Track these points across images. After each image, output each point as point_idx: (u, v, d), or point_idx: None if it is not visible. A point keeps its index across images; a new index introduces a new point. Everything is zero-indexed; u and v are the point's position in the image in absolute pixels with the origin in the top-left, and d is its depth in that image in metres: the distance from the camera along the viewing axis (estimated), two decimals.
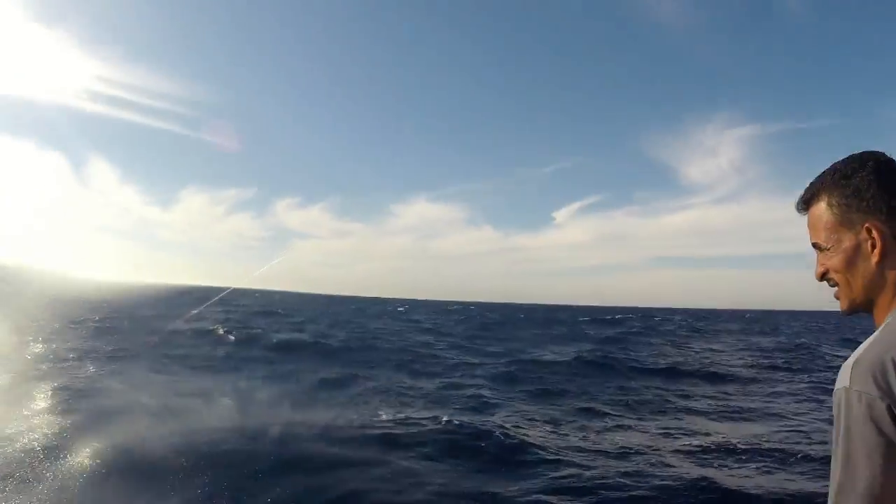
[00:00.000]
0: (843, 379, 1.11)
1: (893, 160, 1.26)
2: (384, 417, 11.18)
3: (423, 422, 10.67)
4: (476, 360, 21.37)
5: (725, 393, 15.97)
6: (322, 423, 10.29)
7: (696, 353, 26.74)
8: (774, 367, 21.30)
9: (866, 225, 1.22)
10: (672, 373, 19.26)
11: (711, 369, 20.22)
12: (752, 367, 21.59)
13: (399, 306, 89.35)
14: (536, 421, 11.70)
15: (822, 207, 1.29)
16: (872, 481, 1.02)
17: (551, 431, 10.93)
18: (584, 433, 10.84)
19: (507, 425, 10.76)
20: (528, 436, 10.22)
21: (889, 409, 1.03)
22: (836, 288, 1.31)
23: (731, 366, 21.70)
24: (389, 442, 9.46)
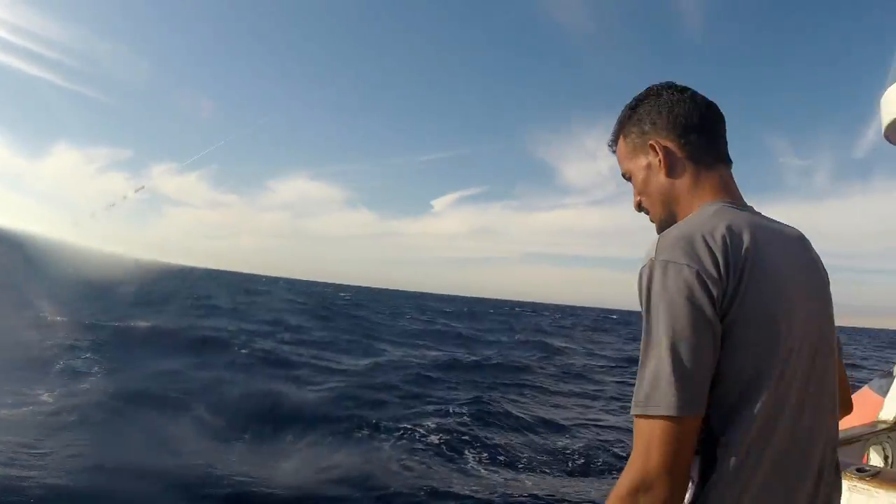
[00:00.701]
0: (648, 254, 1.10)
1: (675, 85, 1.34)
2: None
3: None
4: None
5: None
6: None
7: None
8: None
9: (651, 143, 1.30)
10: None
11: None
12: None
13: (262, 285, 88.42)
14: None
15: (621, 142, 1.38)
16: (684, 349, 1.01)
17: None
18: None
19: None
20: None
21: (698, 275, 1.04)
22: (647, 214, 1.36)
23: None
24: None
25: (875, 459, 3.14)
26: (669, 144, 1.29)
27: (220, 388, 11.78)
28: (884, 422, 3.28)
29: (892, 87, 2.79)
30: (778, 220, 1.29)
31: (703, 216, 1.17)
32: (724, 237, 1.09)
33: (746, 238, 1.11)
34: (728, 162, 1.32)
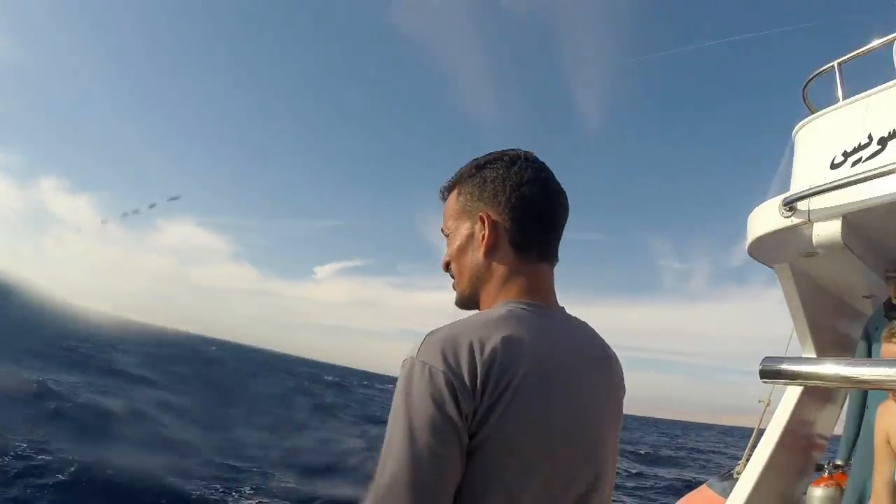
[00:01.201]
0: (412, 349, 0.99)
1: (531, 157, 1.21)
2: None
3: None
4: None
5: None
6: None
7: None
8: None
9: (482, 214, 1.16)
10: None
11: None
12: None
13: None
14: None
15: (454, 196, 1.24)
16: (422, 452, 0.90)
17: None
18: None
19: None
20: None
21: (451, 384, 0.93)
22: (452, 278, 1.25)
23: None
24: None
25: None
26: (500, 223, 1.15)
27: None
28: None
29: (759, 207, 2.95)
30: (590, 331, 1.20)
31: (486, 319, 1.05)
32: (494, 350, 0.97)
33: (524, 354, 0.99)
34: (553, 260, 1.20)
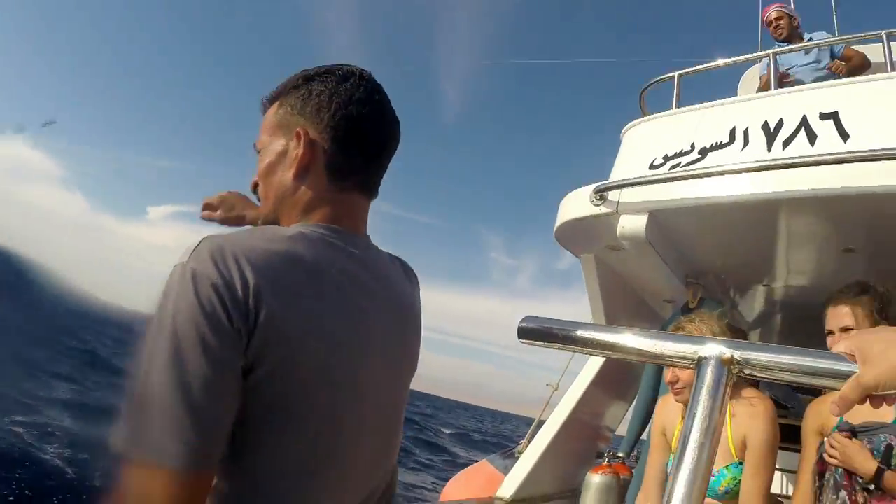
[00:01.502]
0: (182, 255, 0.84)
1: (367, 75, 1.07)
2: None
3: None
4: None
5: None
6: None
7: None
8: None
9: (298, 129, 1.01)
10: None
11: None
12: None
13: None
14: None
15: (273, 108, 1.08)
16: (196, 382, 0.76)
17: None
18: None
19: None
20: None
21: (227, 296, 0.79)
22: (258, 200, 1.11)
23: None
24: None
25: None
26: (318, 142, 1.01)
27: None
28: (500, 498, 3.41)
29: (571, 193, 2.99)
30: (382, 253, 1.10)
31: (272, 234, 0.92)
32: (271, 266, 0.85)
33: (304, 274, 0.89)
34: (372, 193, 1.08)
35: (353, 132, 1.02)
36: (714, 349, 0.89)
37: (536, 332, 1.11)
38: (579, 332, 1.07)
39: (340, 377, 0.90)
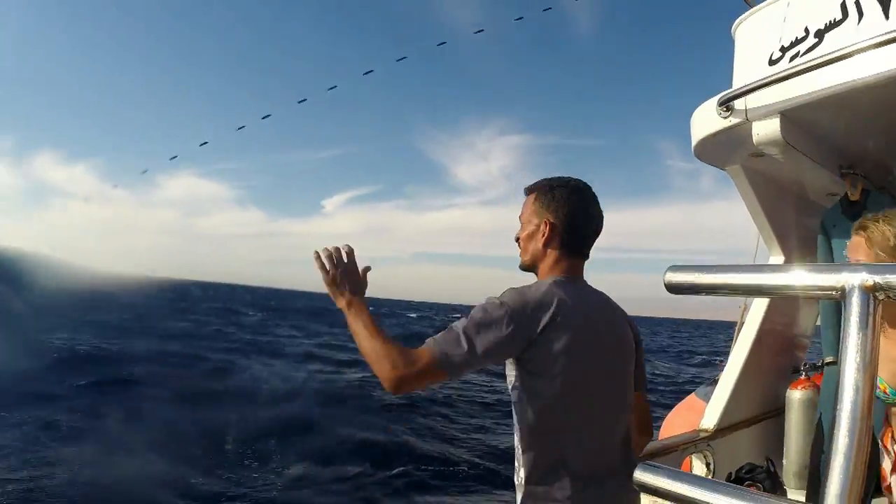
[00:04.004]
0: (502, 293, 1.72)
1: (589, 190, 1.90)
2: None
3: None
4: None
5: None
6: None
7: None
8: None
9: (546, 220, 1.85)
10: None
11: None
12: None
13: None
14: None
15: (531, 199, 1.92)
16: (482, 336, 1.60)
17: None
18: None
19: None
20: None
21: (518, 322, 1.63)
22: (518, 248, 1.95)
23: None
24: None
25: (698, 468, 3.20)
26: (557, 227, 1.84)
27: None
28: (705, 430, 3.35)
29: (698, 109, 2.86)
30: (605, 297, 1.91)
31: (541, 285, 1.77)
32: (550, 301, 1.69)
33: (565, 303, 1.70)
34: (586, 257, 1.91)
35: (576, 228, 1.86)
36: (855, 277, 0.87)
37: (682, 285, 1.13)
38: (721, 278, 1.08)
39: (586, 363, 1.70)
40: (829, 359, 3.38)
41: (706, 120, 2.73)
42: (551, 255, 1.85)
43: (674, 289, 1.14)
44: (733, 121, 2.55)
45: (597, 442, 1.73)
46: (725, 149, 2.93)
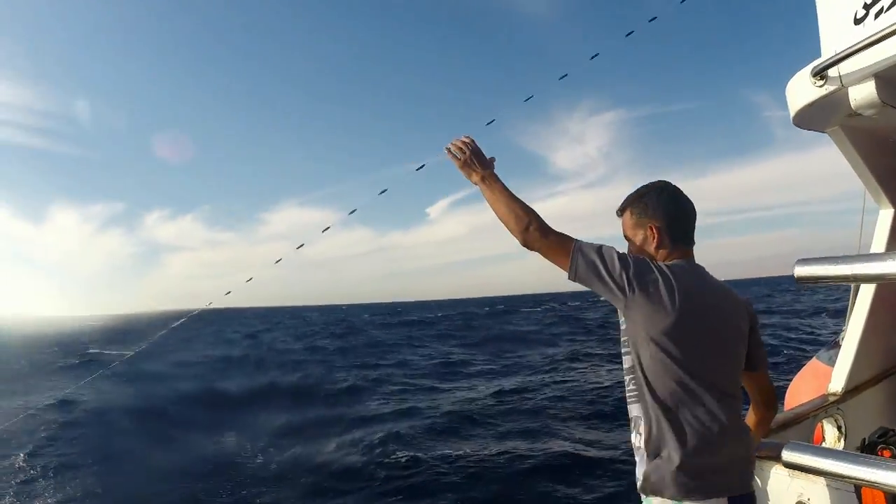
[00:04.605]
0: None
1: (671, 185, 2.12)
2: None
3: None
4: None
5: None
6: None
7: None
8: None
9: (649, 225, 2.06)
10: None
11: None
12: None
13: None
14: None
15: (627, 215, 2.14)
16: (611, 256, 1.88)
17: None
18: None
19: None
20: None
21: (639, 267, 1.88)
22: None
23: None
24: None
25: (830, 433, 3.20)
26: (662, 228, 2.04)
27: None
28: (833, 394, 3.34)
29: (792, 79, 2.86)
30: (717, 281, 2.05)
31: (665, 264, 1.98)
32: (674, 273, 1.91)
33: (680, 276, 1.90)
34: (692, 244, 2.07)
35: (675, 221, 2.07)
36: None
37: (811, 278, 1.24)
38: (848, 269, 1.18)
39: (695, 334, 1.87)
40: None
41: (801, 90, 2.73)
42: (664, 252, 2.05)
43: (804, 281, 1.25)
44: (829, 88, 2.55)
45: (706, 415, 1.83)
46: (823, 115, 2.91)
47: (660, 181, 2.14)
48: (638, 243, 2.10)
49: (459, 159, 2.13)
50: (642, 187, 2.14)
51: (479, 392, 15.85)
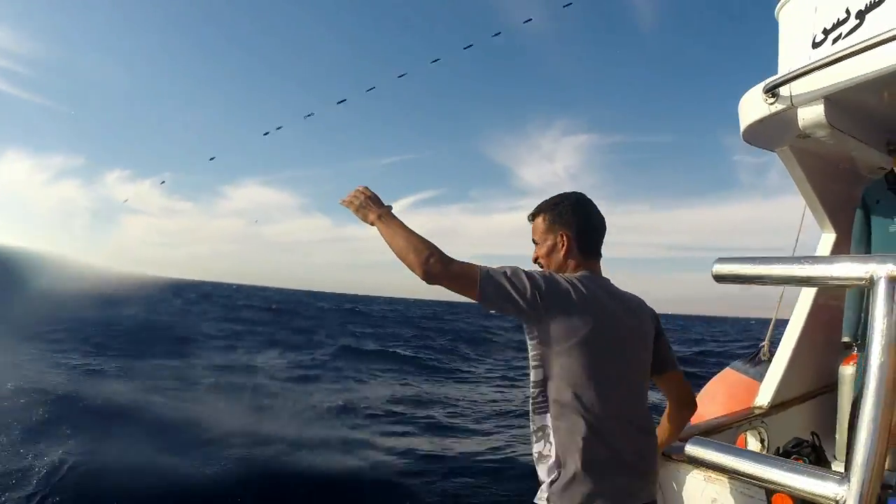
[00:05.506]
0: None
1: (585, 197, 2.15)
2: None
3: None
4: None
5: None
6: None
7: None
8: None
9: (560, 233, 2.09)
10: None
11: None
12: None
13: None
14: None
15: (540, 219, 2.15)
16: (518, 278, 1.86)
17: None
18: None
19: None
20: None
21: (549, 282, 1.89)
22: (541, 268, 2.12)
23: None
24: None
25: (752, 444, 3.28)
26: (573, 237, 2.08)
27: None
28: (759, 407, 3.43)
29: (745, 95, 2.91)
30: (621, 291, 2.09)
31: (571, 276, 2.00)
32: (575, 284, 1.94)
33: (587, 287, 1.94)
34: (600, 256, 2.13)
35: (586, 233, 2.11)
36: (882, 269, 0.98)
37: (728, 276, 1.26)
38: (763, 269, 1.20)
39: (602, 343, 1.89)
40: (845, 338, 3.39)
41: (753, 106, 2.79)
42: (572, 262, 2.08)
43: (721, 279, 1.27)
44: (779, 107, 2.61)
45: (614, 421, 1.88)
46: (773, 133, 2.98)
47: (575, 192, 2.18)
48: (546, 249, 2.12)
49: (353, 204, 2.11)
50: (558, 195, 2.18)
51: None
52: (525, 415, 2.12)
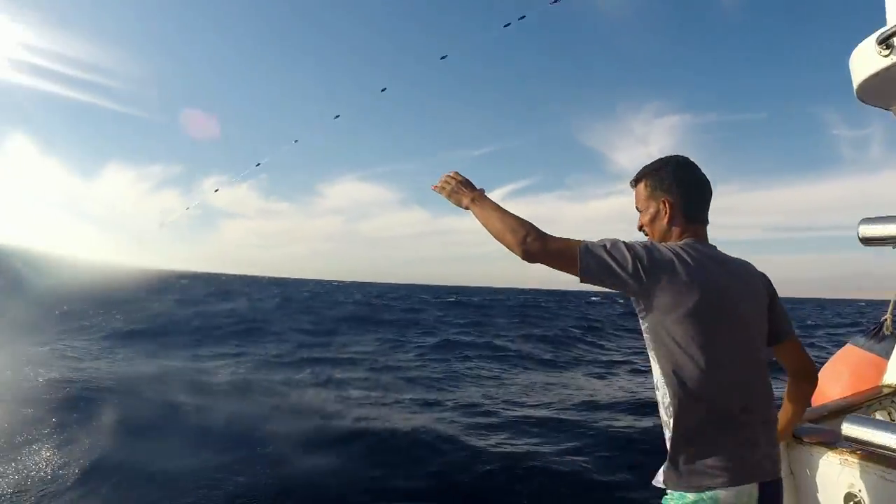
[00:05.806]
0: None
1: (688, 160, 2.03)
2: None
3: None
4: None
5: None
6: None
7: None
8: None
9: (663, 199, 1.97)
10: None
11: None
12: None
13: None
14: None
15: (641, 186, 2.05)
16: (619, 250, 1.77)
17: None
18: None
19: None
20: None
21: (652, 252, 1.78)
22: (646, 236, 2.04)
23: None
24: None
25: None
26: (676, 203, 1.95)
27: None
28: (888, 385, 3.20)
29: (856, 49, 2.71)
30: (731, 257, 1.95)
31: (676, 244, 1.90)
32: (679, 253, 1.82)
33: (694, 255, 1.82)
34: (706, 222, 1.99)
35: (691, 197, 1.98)
36: None
37: (875, 238, 1.14)
38: None
39: (715, 304, 1.77)
40: None
41: (865, 61, 2.58)
42: (676, 229, 1.96)
43: (868, 241, 1.15)
44: (894, 58, 2.40)
45: (733, 393, 1.76)
46: (889, 89, 2.76)
47: (676, 155, 2.06)
48: (649, 216, 2.02)
49: (446, 189, 2.12)
50: (659, 160, 2.05)
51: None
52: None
